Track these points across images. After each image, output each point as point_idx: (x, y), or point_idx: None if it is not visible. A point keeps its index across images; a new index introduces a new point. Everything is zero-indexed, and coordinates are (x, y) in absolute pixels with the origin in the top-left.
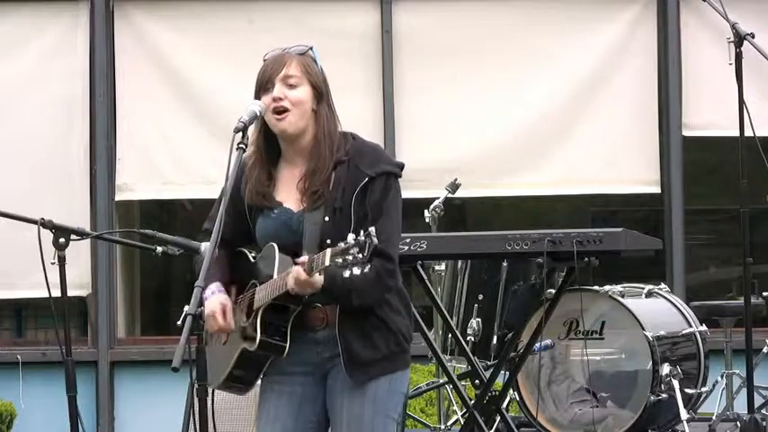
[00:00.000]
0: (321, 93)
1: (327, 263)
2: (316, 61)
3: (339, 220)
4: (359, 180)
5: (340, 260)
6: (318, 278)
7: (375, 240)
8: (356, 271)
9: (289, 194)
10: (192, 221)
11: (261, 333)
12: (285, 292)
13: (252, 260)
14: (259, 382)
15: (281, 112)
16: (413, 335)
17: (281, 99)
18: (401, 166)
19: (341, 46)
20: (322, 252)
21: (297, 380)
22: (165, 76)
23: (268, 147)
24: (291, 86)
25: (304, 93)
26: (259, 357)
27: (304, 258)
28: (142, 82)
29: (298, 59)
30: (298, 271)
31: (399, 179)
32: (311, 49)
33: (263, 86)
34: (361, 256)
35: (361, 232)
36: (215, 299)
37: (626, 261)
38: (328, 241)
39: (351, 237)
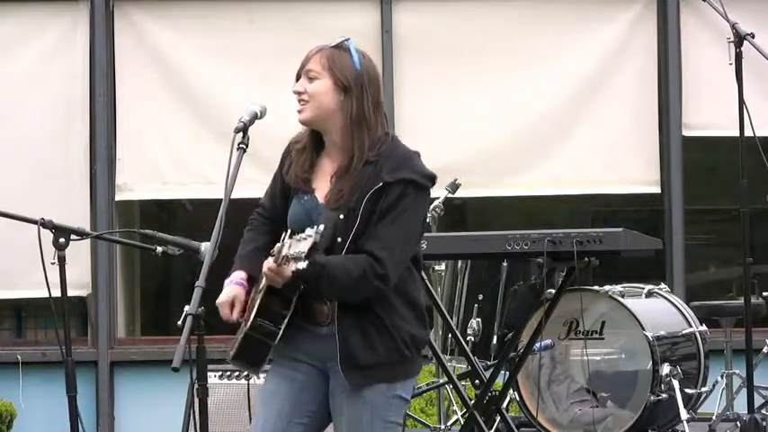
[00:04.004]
0: (346, 86)
1: (284, 252)
2: (351, 54)
3: (351, 219)
4: (374, 183)
5: (292, 252)
6: (287, 268)
7: (318, 237)
8: (301, 266)
9: (322, 185)
10: (192, 221)
11: (255, 315)
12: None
13: None
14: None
15: (300, 103)
16: (422, 344)
17: (299, 93)
18: (429, 177)
19: None
20: (284, 242)
21: (301, 368)
22: (165, 76)
23: (315, 137)
24: (310, 80)
25: (320, 85)
26: (259, 341)
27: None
28: (142, 82)
29: (322, 53)
30: (267, 260)
31: (426, 189)
32: (347, 40)
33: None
34: (300, 250)
35: (315, 227)
36: (229, 290)
37: (626, 261)
38: (339, 240)
39: (308, 230)
